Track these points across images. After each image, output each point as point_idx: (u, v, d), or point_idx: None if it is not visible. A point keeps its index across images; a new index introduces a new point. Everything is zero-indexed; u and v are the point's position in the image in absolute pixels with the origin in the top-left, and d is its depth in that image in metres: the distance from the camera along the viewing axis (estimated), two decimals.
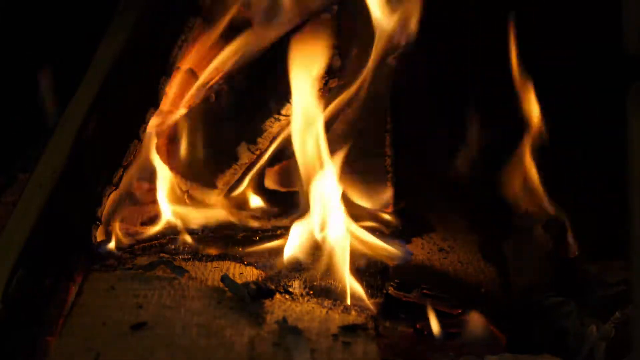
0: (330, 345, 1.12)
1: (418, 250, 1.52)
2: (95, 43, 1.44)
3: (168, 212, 1.49)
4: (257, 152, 1.52)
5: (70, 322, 1.17)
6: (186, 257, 1.38)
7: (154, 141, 1.52)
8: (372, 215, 1.51)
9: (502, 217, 1.51)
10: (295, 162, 1.43)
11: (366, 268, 1.38)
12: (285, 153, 1.54)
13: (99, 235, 1.38)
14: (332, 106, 1.51)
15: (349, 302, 1.27)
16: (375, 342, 1.14)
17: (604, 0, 1.20)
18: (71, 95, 1.39)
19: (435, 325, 1.25)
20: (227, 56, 1.54)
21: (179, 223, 1.47)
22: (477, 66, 1.58)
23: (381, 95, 1.55)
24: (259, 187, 1.60)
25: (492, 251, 1.51)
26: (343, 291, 1.30)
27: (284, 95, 1.47)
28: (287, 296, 1.24)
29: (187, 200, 1.55)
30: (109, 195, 1.37)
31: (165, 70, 1.42)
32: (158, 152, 1.57)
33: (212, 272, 1.31)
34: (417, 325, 1.28)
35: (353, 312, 1.21)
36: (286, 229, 1.44)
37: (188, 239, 1.45)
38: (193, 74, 1.57)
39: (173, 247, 1.44)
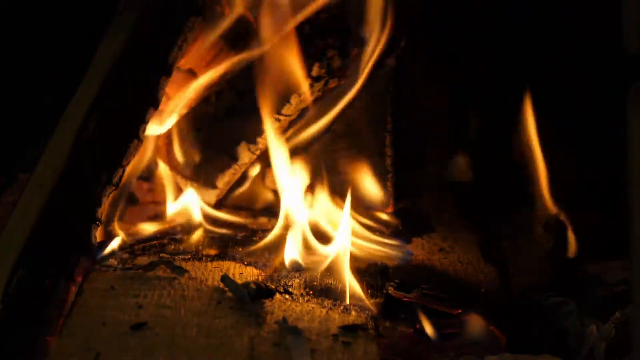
0: (330, 345, 1.12)
1: (418, 250, 1.52)
2: (95, 43, 1.44)
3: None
4: (257, 152, 1.52)
5: (70, 322, 1.17)
6: (186, 257, 1.38)
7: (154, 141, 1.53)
8: (372, 215, 1.51)
9: (502, 217, 1.50)
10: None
11: (366, 268, 1.38)
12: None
13: (99, 235, 1.38)
14: (332, 106, 1.51)
15: (348, 302, 1.27)
16: (375, 342, 1.14)
17: (604, 0, 1.20)
18: (71, 95, 1.39)
19: (429, 328, 1.25)
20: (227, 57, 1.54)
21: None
22: (477, 66, 1.58)
23: (381, 95, 1.55)
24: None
25: (492, 251, 1.51)
26: (343, 291, 1.30)
27: (284, 95, 1.47)
28: (287, 296, 1.25)
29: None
30: (109, 195, 1.36)
31: (165, 70, 1.42)
32: (158, 152, 1.57)
33: (212, 272, 1.31)
34: (417, 326, 1.28)
35: (353, 312, 1.21)
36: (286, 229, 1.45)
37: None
38: (193, 74, 1.57)
39: (173, 247, 1.44)
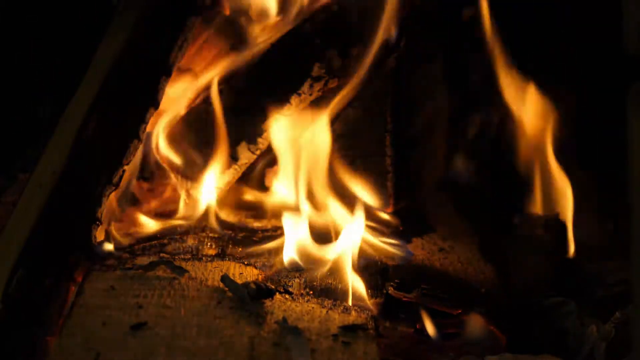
0: (330, 345, 1.12)
1: (418, 250, 1.52)
2: (95, 43, 1.44)
3: None
4: (257, 152, 1.52)
5: (70, 322, 1.17)
6: (186, 257, 1.38)
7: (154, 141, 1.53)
8: (372, 215, 1.51)
9: (502, 217, 1.50)
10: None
11: (366, 268, 1.38)
12: None
13: (99, 235, 1.38)
14: (333, 106, 1.51)
15: (351, 302, 1.27)
16: (375, 342, 1.14)
17: (604, 0, 1.20)
18: (71, 95, 1.39)
19: (430, 328, 1.25)
20: (227, 56, 1.54)
21: None
22: (477, 66, 1.58)
23: (381, 95, 1.55)
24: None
25: (492, 251, 1.51)
26: (344, 291, 1.30)
27: (284, 95, 1.47)
28: (287, 296, 1.25)
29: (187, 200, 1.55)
30: (109, 195, 1.37)
31: (165, 70, 1.42)
32: (158, 152, 1.57)
33: (212, 272, 1.31)
34: (417, 326, 1.28)
35: (353, 312, 1.21)
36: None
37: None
38: (193, 74, 1.57)
39: (173, 247, 1.44)
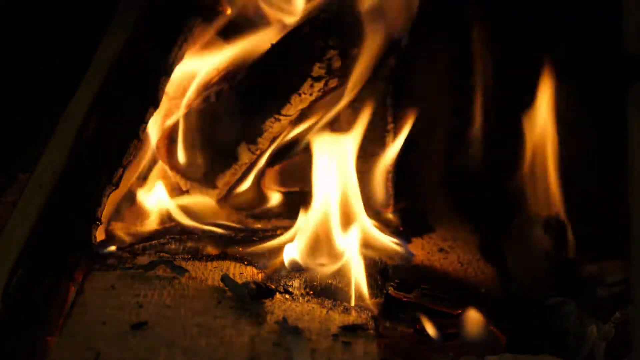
0: (330, 345, 1.12)
1: (418, 250, 1.52)
2: (95, 43, 1.44)
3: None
4: (257, 152, 1.52)
5: (70, 322, 1.17)
6: (186, 257, 1.38)
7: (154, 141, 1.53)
8: (372, 215, 1.51)
9: (502, 217, 1.50)
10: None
11: (366, 268, 1.38)
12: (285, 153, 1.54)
13: (99, 235, 1.38)
14: (332, 106, 1.51)
15: (353, 303, 1.27)
16: (375, 342, 1.14)
17: (604, 0, 1.20)
18: (71, 95, 1.39)
19: (430, 328, 1.25)
20: (227, 56, 1.54)
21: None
22: (477, 66, 1.58)
23: (381, 95, 1.55)
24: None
25: (492, 251, 1.51)
26: (345, 291, 1.30)
27: (284, 95, 1.47)
28: (287, 296, 1.25)
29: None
30: (109, 195, 1.37)
31: (165, 70, 1.42)
32: (158, 152, 1.57)
33: (212, 272, 1.31)
34: (417, 326, 1.28)
35: (353, 312, 1.21)
36: (286, 229, 1.44)
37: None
38: (193, 74, 1.58)
39: (173, 246, 1.44)
